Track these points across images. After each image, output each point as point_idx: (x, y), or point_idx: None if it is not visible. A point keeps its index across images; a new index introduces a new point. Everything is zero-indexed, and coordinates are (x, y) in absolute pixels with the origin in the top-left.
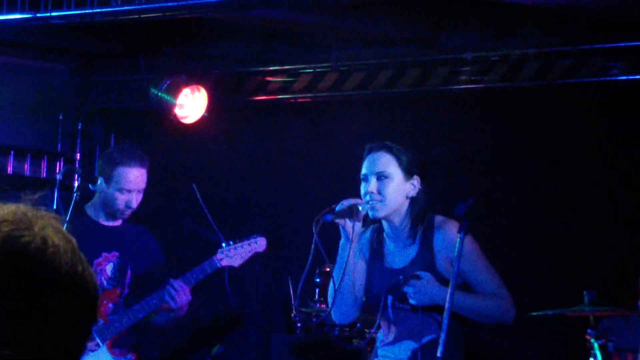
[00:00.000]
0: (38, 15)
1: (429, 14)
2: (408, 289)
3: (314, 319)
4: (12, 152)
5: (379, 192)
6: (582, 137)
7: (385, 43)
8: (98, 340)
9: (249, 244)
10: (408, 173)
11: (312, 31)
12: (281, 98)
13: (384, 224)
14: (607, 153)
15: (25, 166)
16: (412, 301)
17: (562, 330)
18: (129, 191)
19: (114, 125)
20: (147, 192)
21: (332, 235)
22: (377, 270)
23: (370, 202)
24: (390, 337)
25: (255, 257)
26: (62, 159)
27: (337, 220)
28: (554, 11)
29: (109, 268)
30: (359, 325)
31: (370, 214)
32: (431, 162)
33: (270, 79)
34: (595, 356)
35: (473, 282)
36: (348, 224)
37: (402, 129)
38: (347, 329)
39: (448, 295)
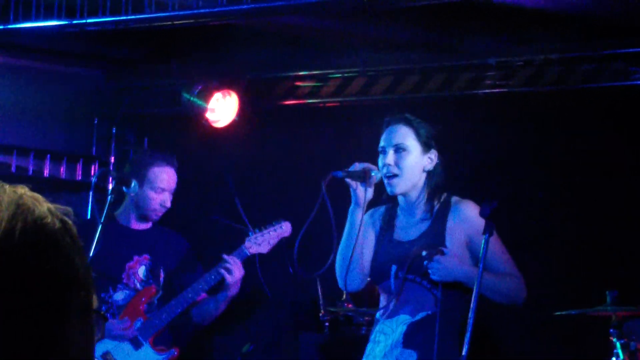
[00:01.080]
0: (74, 22)
1: (454, 20)
2: (432, 265)
3: (341, 318)
4: (48, 155)
5: (397, 165)
6: (604, 140)
7: (411, 48)
8: (140, 339)
9: (274, 230)
10: (426, 146)
11: (339, 37)
12: (310, 102)
13: (400, 200)
14: (628, 155)
15: (61, 169)
16: (434, 277)
17: (586, 330)
18: (163, 190)
19: (147, 130)
20: (181, 192)
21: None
22: (385, 242)
23: (387, 175)
24: (389, 310)
25: (283, 242)
26: (96, 162)
27: (348, 180)
28: (576, 16)
29: (141, 271)
30: None
31: (388, 190)
32: (456, 165)
33: (299, 83)
34: (617, 355)
35: (488, 262)
36: (360, 187)
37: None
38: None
39: (475, 286)
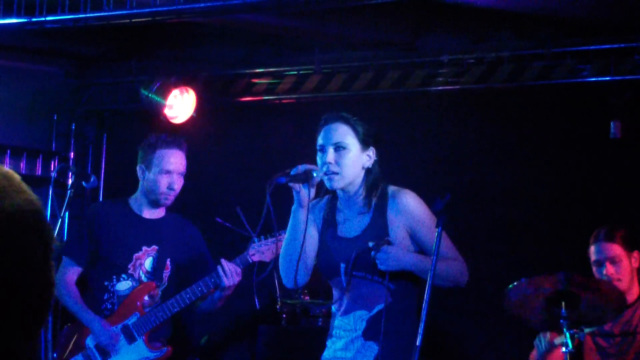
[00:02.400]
0: (33, 19)
1: (409, 19)
2: (380, 255)
3: (298, 310)
4: (8, 151)
5: (337, 163)
6: (554, 135)
7: (367, 46)
8: (135, 334)
9: (280, 239)
10: (364, 144)
11: (296, 35)
12: (266, 99)
13: (339, 193)
14: (577, 149)
15: (21, 165)
16: (381, 267)
17: None
18: (170, 172)
19: (106, 126)
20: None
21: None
22: (330, 239)
23: (327, 173)
24: (343, 306)
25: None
26: (56, 158)
27: (291, 184)
28: (527, 16)
29: (147, 262)
30: None
31: (327, 184)
32: (410, 160)
33: (256, 80)
34: (567, 345)
35: (430, 249)
36: (302, 189)
37: (382, 128)
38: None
39: (429, 277)
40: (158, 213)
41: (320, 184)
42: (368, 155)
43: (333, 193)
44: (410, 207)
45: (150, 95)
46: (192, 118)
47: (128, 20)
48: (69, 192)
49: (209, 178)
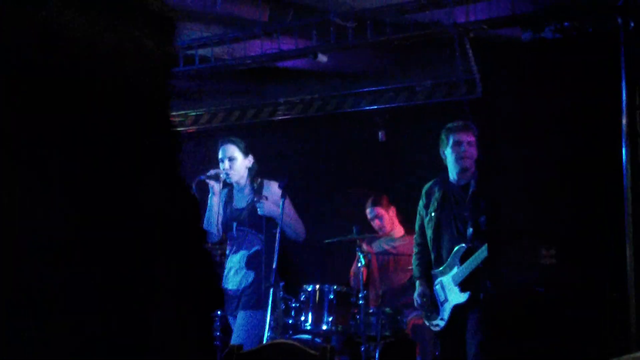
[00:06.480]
0: None
1: None
2: (259, 205)
3: None
4: None
5: (230, 168)
6: (341, 142)
7: None
8: None
9: None
10: (245, 154)
11: None
12: None
13: (235, 185)
14: (356, 151)
15: None
16: (260, 212)
17: (341, 249)
18: None
19: None
20: None
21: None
22: (228, 210)
23: (226, 173)
24: (234, 249)
25: None
26: None
27: (207, 180)
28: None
29: None
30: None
31: (227, 180)
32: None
33: None
34: (360, 261)
35: (287, 215)
36: (215, 184)
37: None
38: None
39: (278, 229)
40: None
41: (225, 180)
42: (249, 160)
43: (231, 185)
44: (273, 191)
45: None
46: None
47: None
48: None
49: None
